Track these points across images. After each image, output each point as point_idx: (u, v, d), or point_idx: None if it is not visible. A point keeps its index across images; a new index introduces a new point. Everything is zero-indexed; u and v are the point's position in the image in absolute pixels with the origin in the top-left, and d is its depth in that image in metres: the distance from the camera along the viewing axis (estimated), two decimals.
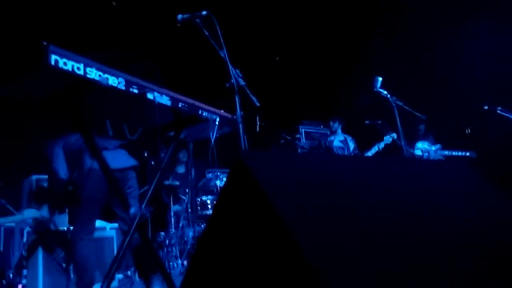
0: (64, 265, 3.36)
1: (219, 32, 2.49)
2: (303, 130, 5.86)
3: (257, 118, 4.23)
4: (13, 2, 4.13)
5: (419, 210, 1.22)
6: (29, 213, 3.42)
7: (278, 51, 6.78)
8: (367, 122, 4.92)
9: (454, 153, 5.05)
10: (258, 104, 2.69)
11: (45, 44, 1.72)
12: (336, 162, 1.43)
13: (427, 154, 5.00)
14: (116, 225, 4.07)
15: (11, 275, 3.34)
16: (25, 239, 3.47)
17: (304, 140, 5.82)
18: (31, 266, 3.37)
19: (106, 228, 3.91)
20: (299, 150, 5.65)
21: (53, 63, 1.72)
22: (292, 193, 1.11)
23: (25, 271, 3.36)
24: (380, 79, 3.80)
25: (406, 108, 3.92)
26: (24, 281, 3.32)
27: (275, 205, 1.01)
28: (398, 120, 3.71)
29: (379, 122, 4.77)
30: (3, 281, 3.34)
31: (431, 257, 1.05)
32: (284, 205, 1.02)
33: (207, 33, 2.51)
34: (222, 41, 2.51)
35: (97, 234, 3.44)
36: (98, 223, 3.40)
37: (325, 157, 1.58)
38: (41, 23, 4.08)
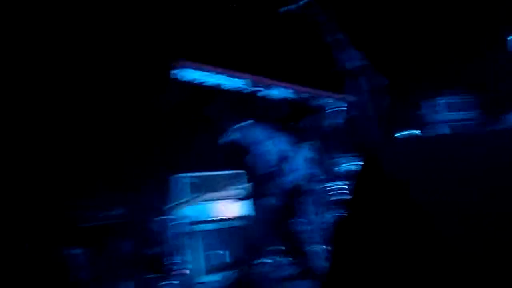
0: (217, 251, 3.78)
1: (331, 15, 2.43)
2: (441, 101, 5.26)
3: (386, 96, 3.98)
4: (145, 24, 4.76)
5: None
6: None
7: (401, 19, 6.20)
8: None
9: None
10: (385, 82, 2.55)
11: (178, 59, 1.95)
12: (469, 142, 1.28)
13: None
14: None
15: (173, 261, 3.89)
16: (182, 230, 3.99)
17: (444, 112, 5.23)
18: (191, 253, 3.87)
19: None
20: (438, 124, 5.13)
21: (184, 75, 1.93)
22: (426, 178, 1.07)
23: (186, 257, 3.88)
24: None
25: None
26: (186, 265, 3.83)
27: (410, 191, 1.00)
28: None
29: None
30: (167, 266, 3.91)
31: None
32: (419, 190, 1.01)
33: (320, 20, 2.47)
34: (338, 24, 2.44)
35: None
36: None
37: (457, 138, 1.41)
38: (171, 40, 4.60)
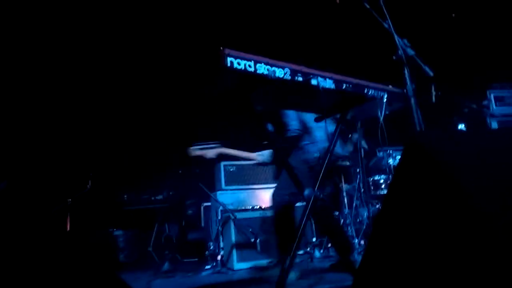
0: (252, 239, 3.81)
1: (381, 1, 2.34)
2: (492, 94, 5.00)
3: (433, 88, 3.82)
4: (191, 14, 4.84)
5: None
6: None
7: (453, 7, 5.90)
8: None
9: None
10: (431, 74, 2.44)
11: (222, 48, 1.95)
12: None
13: None
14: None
15: (211, 246, 3.97)
16: (219, 217, 4.06)
17: (494, 106, 4.97)
18: (226, 240, 3.94)
19: None
20: (487, 118, 4.89)
21: (228, 64, 1.93)
22: (473, 172, 1.03)
23: (222, 244, 3.95)
24: None
25: None
26: (222, 251, 3.91)
27: (457, 184, 0.97)
28: None
29: None
30: (206, 252, 4.00)
31: None
32: (468, 184, 0.97)
33: (368, 6, 2.39)
34: (385, 11, 2.35)
35: None
36: None
37: (505, 132, 1.33)
38: (215, 30, 4.65)
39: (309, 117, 3.13)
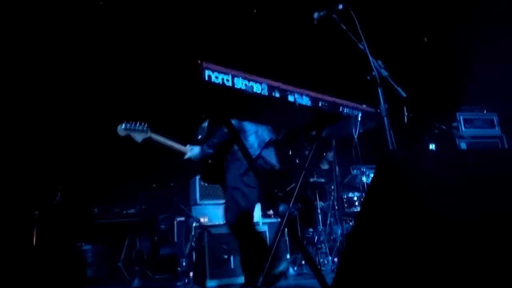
0: (225, 256, 3.75)
1: (357, 24, 2.41)
2: (461, 117, 5.18)
3: (405, 108, 3.93)
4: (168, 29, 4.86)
5: None
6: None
7: (425, 32, 6.15)
8: None
9: None
10: (404, 95, 2.51)
11: (199, 62, 1.95)
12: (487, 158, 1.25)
13: None
14: (268, 220, 4.35)
15: (184, 263, 3.89)
16: (193, 232, 3.99)
17: (463, 128, 5.15)
18: (199, 256, 3.86)
19: (259, 223, 4.17)
20: (457, 140, 5.06)
21: (206, 78, 1.93)
22: (440, 191, 1.07)
23: (194, 260, 3.86)
24: None
25: None
26: (193, 268, 3.82)
27: (424, 203, 1.00)
28: None
29: None
30: (178, 268, 3.91)
31: None
32: (433, 203, 1.00)
33: (344, 27, 2.45)
34: (360, 32, 2.41)
35: None
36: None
37: (475, 154, 1.39)
38: (194, 42, 4.67)
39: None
